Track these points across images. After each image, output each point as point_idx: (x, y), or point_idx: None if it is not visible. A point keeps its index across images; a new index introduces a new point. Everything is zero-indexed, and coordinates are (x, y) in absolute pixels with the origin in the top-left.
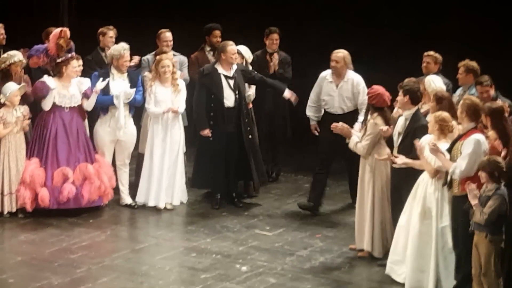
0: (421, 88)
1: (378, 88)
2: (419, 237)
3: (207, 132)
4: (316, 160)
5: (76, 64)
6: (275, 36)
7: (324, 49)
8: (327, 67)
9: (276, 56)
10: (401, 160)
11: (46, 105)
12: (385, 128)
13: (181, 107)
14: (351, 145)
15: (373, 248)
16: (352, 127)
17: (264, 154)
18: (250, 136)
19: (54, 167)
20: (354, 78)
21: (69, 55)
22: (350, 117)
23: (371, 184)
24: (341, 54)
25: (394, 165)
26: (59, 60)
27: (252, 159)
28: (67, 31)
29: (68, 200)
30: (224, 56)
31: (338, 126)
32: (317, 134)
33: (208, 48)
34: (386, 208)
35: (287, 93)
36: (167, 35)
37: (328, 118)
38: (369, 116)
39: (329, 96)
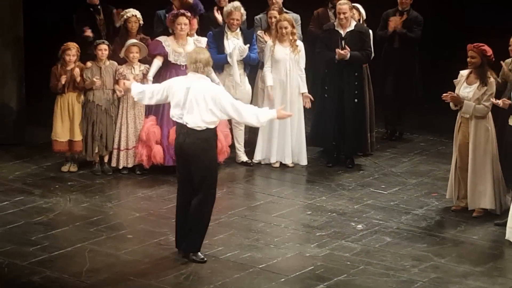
0: None
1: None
2: None
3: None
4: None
5: (182, 22)
6: None
7: None
8: None
9: (396, 15)
10: None
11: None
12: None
13: (302, 73)
14: (469, 110)
15: (497, 206)
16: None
17: (389, 113)
18: (356, 100)
19: (170, 124)
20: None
21: (179, 11)
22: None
23: (489, 143)
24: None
25: (511, 123)
26: (169, 16)
27: (352, 124)
28: None
29: None
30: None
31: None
32: None
33: (330, 5)
34: (499, 165)
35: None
36: None
37: None
38: (488, 73)
39: None
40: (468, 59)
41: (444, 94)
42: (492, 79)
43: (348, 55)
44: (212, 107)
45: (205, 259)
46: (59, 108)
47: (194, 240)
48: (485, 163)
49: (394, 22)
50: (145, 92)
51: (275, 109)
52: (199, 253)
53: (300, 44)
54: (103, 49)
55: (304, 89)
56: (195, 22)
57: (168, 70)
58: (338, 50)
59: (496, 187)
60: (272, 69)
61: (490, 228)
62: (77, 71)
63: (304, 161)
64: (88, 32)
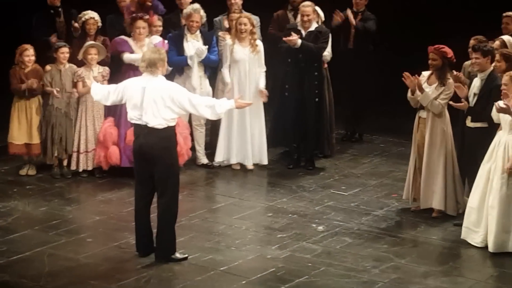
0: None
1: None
2: (504, 198)
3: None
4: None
5: (141, 26)
6: None
7: None
8: None
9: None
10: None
11: (131, 58)
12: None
13: (262, 69)
14: (425, 101)
15: (447, 207)
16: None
17: (347, 115)
18: (316, 99)
19: (127, 126)
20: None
21: (137, 14)
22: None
23: (443, 144)
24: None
25: (469, 124)
26: (128, 19)
27: (313, 124)
28: None
29: None
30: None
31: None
32: None
33: (290, 7)
34: (456, 167)
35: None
36: None
37: None
38: (448, 75)
39: None
40: (430, 61)
41: (407, 74)
42: (451, 80)
43: (299, 42)
44: (170, 105)
45: (186, 255)
46: (16, 111)
47: (170, 241)
48: (439, 164)
49: (338, 16)
50: (102, 92)
51: (233, 99)
52: (177, 253)
53: (259, 44)
54: (65, 52)
55: (262, 85)
56: (155, 19)
57: (126, 71)
58: (286, 38)
59: (448, 188)
60: (231, 69)
61: (449, 228)
62: (32, 81)
63: (265, 161)
64: (55, 39)
